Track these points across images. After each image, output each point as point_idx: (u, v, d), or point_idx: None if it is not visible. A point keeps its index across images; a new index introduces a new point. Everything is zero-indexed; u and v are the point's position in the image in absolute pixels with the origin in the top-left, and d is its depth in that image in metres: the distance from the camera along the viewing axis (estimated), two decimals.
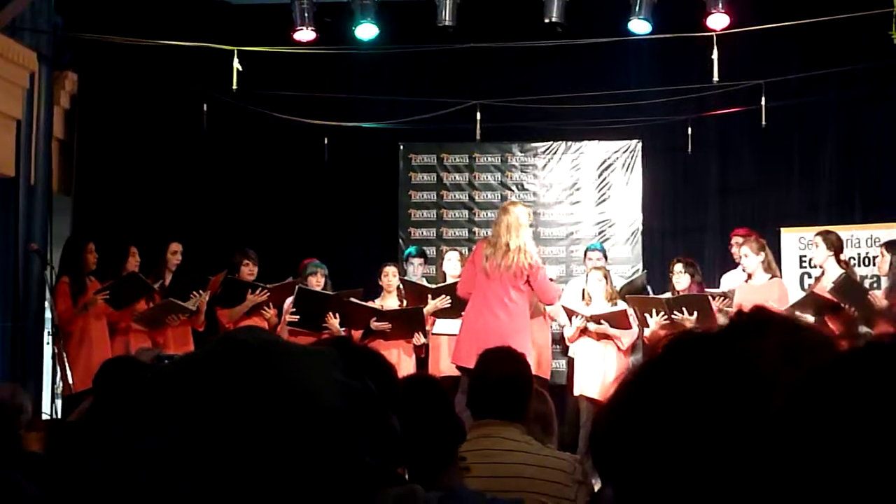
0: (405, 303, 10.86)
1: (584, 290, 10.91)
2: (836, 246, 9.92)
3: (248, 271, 10.90)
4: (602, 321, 10.44)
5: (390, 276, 10.98)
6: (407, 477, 3.59)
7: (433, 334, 10.83)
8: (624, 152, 12.94)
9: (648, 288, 11.29)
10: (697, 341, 1.29)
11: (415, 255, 11.68)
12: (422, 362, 10.82)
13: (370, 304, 10.78)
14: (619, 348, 10.41)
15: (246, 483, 1.19)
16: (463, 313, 9.81)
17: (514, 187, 13.07)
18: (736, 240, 10.93)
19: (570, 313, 10.63)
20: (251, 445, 1.20)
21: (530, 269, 9.39)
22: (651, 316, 10.34)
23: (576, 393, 10.51)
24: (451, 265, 11.07)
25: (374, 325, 10.51)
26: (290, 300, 10.73)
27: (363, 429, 1.25)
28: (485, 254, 9.45)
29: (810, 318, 9.60)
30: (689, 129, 12.39)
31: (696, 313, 10.06)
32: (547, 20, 11.47)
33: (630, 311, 10.47)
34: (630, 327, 10.43)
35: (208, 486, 1.19)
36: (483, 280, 9.43)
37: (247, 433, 1.20)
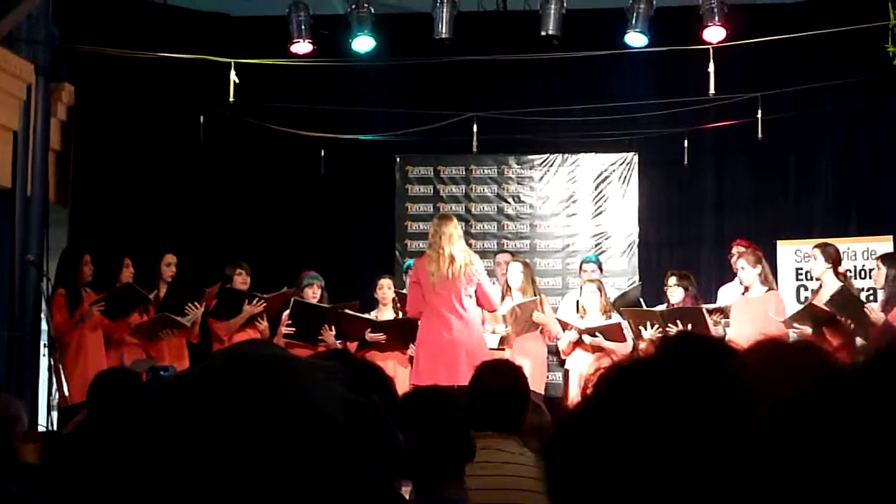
0: (401, 315, 10.85)
1: (577, 303, 10.92)
2: (834, 258, 9.92)
3: (242, 281, 10.86)
4: (597, 333, 10.45)
5: (385, 289, 10.96)
6: (412, 488, 3.60)
7: None
8: (620, 165, 12.96)
9: (641, 301, 11.28)
10: (637, 370, 1.30)
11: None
12: None
13: (365, 315, 10.78)
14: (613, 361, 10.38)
15: (251, 499, 1.19)
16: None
17: (510, 199, 13.08)
18: (737, 249, 10.87)
19: (564, 326, 10.64)
20: (257, 461, 1.19)
21: (475, 276, 9.54)
22: (645, 329, 10.35)
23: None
24: None
25: (369, 336, 10.50)
26: (286, 313, 10.72)
27: (369, 446, 1.25)
28: (429, 269, 9.48)
29: (808, 331, 9.62)
30: (686, 142, 12.41)
31: (689, 326, 10.04)
32: (544, 33, 11.49)
33: (624, 324, 10.48)
34: (624, 340, 10.43)
35: (213, 500, 1.19)
36: (433, 295, 9.47)
37: (253, 449, 1.20)
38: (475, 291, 9.63)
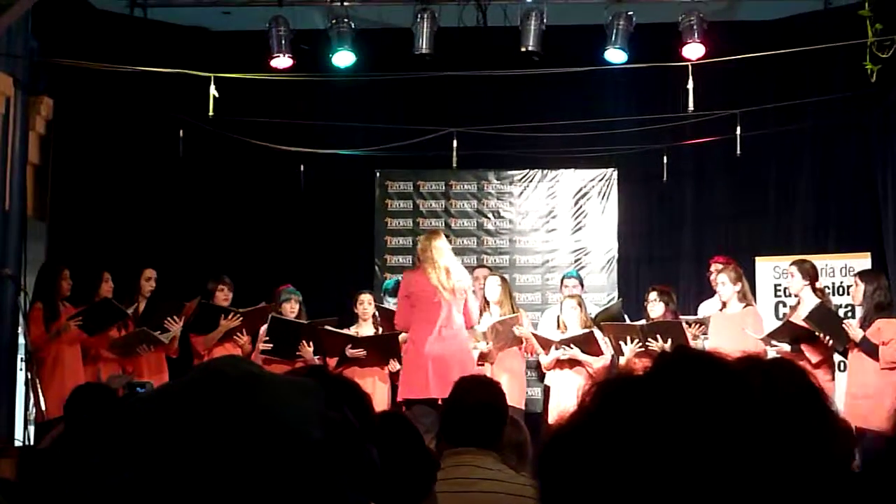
0: (381, 330, 10.82)
1: (558, 318, 10.91)
2: (811, 275, 9.96)
3: (224, 297, 10.87)
4: (571, 345, 10.43)
5: (366, 304, 10.94)
6: None
7: None
8: (600, 181, 12.99)
9: (625, 316, 11.28)
10: (632, 386, 1.29)
11: (391, 294, 11.55)
12: (395, 390, 10.78)
13: (345, 331, 10.74)
14: (590, 375, 10.36)
15: None
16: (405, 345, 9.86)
17: (490, 215, 13.08)
18: (715, 266, 10.87)
19: (545, 343, 10.61)
20: (232, 479, 1.19)
21: (467, 291, 9.57)
22: (626, 343, 10.34)
23: (551, 421, 10.46)
24: None
25: (350, 352, 10.47)
26: (264, 328, 10.67)
27: (345, 462, 1.24)
28: (430, 282, 9.50)
29: (786, 347, 9.65)
30: (665, 158, 12.42)
31: (669, 340, 10.05)
32: (524, 49, 11.50)
33: (602, 338, 10.47)
34: (601, 353, 10.41)
35: None
36: (429, 307, 9.49)
37: (227, 467, 1.19)
38: (463, 305, 9.68)
